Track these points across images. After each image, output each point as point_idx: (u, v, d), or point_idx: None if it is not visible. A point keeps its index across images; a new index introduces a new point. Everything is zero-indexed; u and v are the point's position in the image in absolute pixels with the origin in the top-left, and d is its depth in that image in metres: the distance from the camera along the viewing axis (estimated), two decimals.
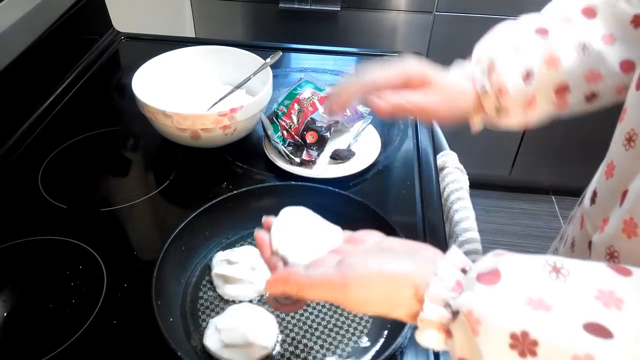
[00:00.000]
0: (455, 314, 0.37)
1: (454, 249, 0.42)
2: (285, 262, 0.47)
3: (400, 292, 0.39)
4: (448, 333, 0.38)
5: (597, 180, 0.55)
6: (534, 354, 0.33)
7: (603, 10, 0.58)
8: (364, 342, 0.59)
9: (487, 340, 0.35)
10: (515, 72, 0.57)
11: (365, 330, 0.60)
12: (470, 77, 0.60)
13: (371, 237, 0.47)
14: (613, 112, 0.56)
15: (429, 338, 0.39)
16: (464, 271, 0.40)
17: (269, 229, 0.50)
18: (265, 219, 0.51)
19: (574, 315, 0.33)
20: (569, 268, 0.36)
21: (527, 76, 0.57)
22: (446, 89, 0.59)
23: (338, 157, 0.83)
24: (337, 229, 0.51)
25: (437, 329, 0.38)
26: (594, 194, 0.55)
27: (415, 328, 0.40)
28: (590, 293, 0.34)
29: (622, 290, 0.34)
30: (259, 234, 0.50)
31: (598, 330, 0.32)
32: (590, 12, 0.58)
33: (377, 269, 0.41)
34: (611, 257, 0.47)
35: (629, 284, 0.34)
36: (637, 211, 0.43)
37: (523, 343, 0.33)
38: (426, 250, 0.43)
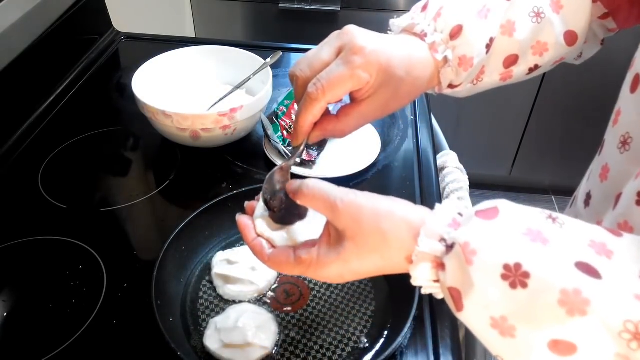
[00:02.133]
0: (450, 247, 0.38)
1: (452, 198, 0.43)
2: (272, 245, 0.47)
3: (394, 226, 0.40)
4: (440, 266, 0.38)
5: (591, 183, 0.54)
6: (524, 285, 0.34)
7: None
8: (364, 342, 0.59)
9: (480, 270, 0.35)
10: (481, 41, 0.51)
11: (365, 331, 0.60)
12: (426, 42, 0.51)
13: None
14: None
15: (421, 272, 0.39)
16: (460, 215, 0.40)
17: (252, 213, 0.49)
18: (247, 203, 0.51)
19: (567, 254, 0.34)
20: (564, 219, 0.37)
21: (490, 45, 0.52)
22: (396, 80, 0.49)
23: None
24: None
25: (431, 262, 0.39)
26: (588, 197, 0.54)
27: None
28: (584, 241, 0.35)
29: (613, 244, 0.35)
30: (241, 218, 0.49)
31: (588, 270, 0.33)
32: None
33: (371, 203, 0.41)
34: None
35: (620, 242, 0.35)
36: (632, 214, 0.43)
37: (515, 274, 0.34)
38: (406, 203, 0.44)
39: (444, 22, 0.51)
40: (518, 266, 0.34)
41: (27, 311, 0.62)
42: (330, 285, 0.64)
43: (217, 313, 0.61)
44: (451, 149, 0.96)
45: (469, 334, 0.71)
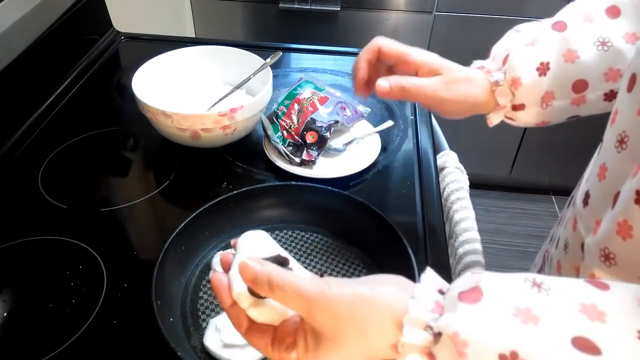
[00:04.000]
0: (437, 335, 0.35)
1: (427, 271, 0.40)
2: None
3: (379, 317, 0.37)
4: (431, 356, 0.36)
5: (590, 182, 0.54)
6: None
7: (627, 9, 0.57)
8: None
9: None
10: (529, 64, 0.57)
11: None
12: (484, 70, 0.61)
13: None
14: None
15: None
16: (441, 292, 0.38)
17: (228, 268, 0.44)
18: (222, 256, 0.45)
19: (561, 330, 0.32)
20: (549, 283, 0.35)
21: (543, 69, 0.57)
22: (453, 76, 0.59)
23: None
24: (305, 271, 0.45)
25: (420, 352, 0.36)
26: (587, 196, 0.54)
27: None
28: (574, 307, 0.33)
29: (603, 304, 0.33)
30: (215, 276, 0.43)
31: (586, 346, 0.32)
32: (614, 11, 0.57)
33: (352, 291, 0.38)
34: (606, 258, 0.47)
35: (609, 298, 0.34)
36: (631, 213, 0.43)
37: None
38: (401, 279, 0.40)
39: (497, 53, 0.61)
40: (514, 355, 0.32)
41: (27, 311, 0.62)
42: None
43: (217, 313, 0.61)
44: (451, 149, 0.96)
45: None
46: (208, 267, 0.66)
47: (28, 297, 0.64)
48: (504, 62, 0.59)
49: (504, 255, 1.95)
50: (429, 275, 0.39)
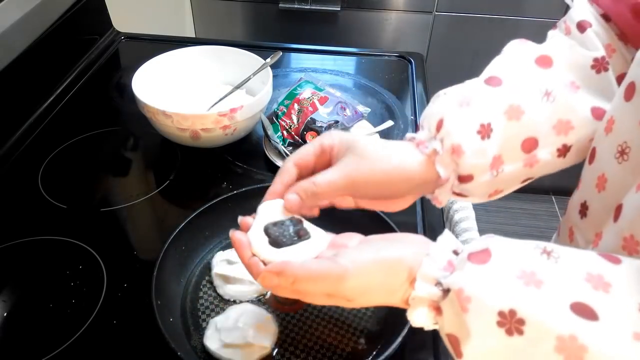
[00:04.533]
0: (446, 291, 0.38)
1: (445, 233, 0.42)
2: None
3: (396, 276, 0.40)
4: (438, 310, 0.39)
5: (586, 192, 0.52)
6: (520, 332, 0.34)
7: (559, 57, 0.51)
8: (364, 342, 0.59)
9: (475, 318, 0.36)
10: (468, 127, 0.48)
11: (365, 331, 0.60)
12: (414, 142, 0.50)
13: (355, 237, 0.47)
14: None
15: (419, 316, 0.40)
16: (455, 253, 0.40)
17: (246, 230, 0.47)
18: (241, 219, 0.48)
19: (562, 294, 0.34)
20: (559, 252, 0.36)
21: (485, 131, 0.48)
22: (372, 148, 0.48)
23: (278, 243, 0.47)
24: (319, 230, 0.48)
25: (428, 306, 0.39)
26: (584, 207, 0.52)
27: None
28: (580, 275, 0.34)
29: (611, 275, 0.34)
30: (236, 235, 0.46)
31: (584, 311, 0.33)
32: (545, 61, 0.51)
33: (373, 256, 0.41)
34: None
35: (618, 271, 0.35)
36: (638, 228, 0.42)
37: (510, 321, 0.34)
38: (414, 236, 0.44)
39: (428, 121, 0.51)
40: (513, 313, 0.34)
41: (27, 311, 0.62)
42: None
43: (217, 313, 0.61)
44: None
45: None
46: (208, 267, 0.66)
47: (28, 297, 0.64)
48: (438, 128, 0.49)
49: None
50: (446, 237, 0.42)
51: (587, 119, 0.50)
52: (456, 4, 1.66)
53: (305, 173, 0.50)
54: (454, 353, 0.38)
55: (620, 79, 0.51)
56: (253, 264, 0.44)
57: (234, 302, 0.63)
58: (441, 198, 0.51)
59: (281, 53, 0.94)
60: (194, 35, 1.81)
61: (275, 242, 0.45)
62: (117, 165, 0.86)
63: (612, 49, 0.51)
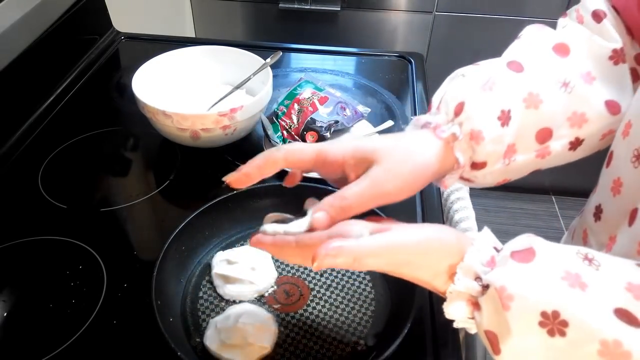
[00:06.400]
0: (485, 287, 0.38)
1: (485, 230, 0.42)
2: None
3: (447, 260, 0.40)
4: (475, 305, 0.39)
5: (602, 195, 0.52)
6: (562, 334, 0.34)
7: (576, 46, 0.50)
8: (364, 342, 0.59)
9: (517, 317, 0.35)
10: (490, 113, 0.46)
11: (365, 331, 0.60)
12: (430, 127, 0.48)
13: (359, 223, 0.45)
14: None
15: (456, 310, 0.40)
16: (495, 249, 0.40)
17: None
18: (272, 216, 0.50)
19: (606, 299, 0.33)
20: (600, 260, 0.36)
21: (505, 118, 0.47)
22: (391, 156, 0.45)
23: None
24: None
25: (466, 300, 0.39)
26: (599, 210, 0.52)
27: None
28: (621, 284, 0.34)
29: None
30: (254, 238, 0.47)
31: (628, 317, 0.32)
32: (562, 49, 0.50)
33: (434, 234, 0.41)
34: None
35: None
36: None
37: (553, 322, 0.34)
38: (455, 230, 0.44)
39: (445, 104, 0.48)
40: (556, 314, 0.34)
41: (27, 311, 0.62)
42: (330, 285, 0.64)
43: (217, 313, 0.61)
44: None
45: (468, 335, 0.71)
46: (208, 267, 0.66)
47: (28, 297, 0.64)
48: (457, 112, 0.47)
49: None
50: (487, 233, 0.42)
51: (601, 112, 0.49)
52: (456, 4, 1.66)
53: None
54: (491, 350, 0.38)
55: (633, 72, 0.51)
56: (308, 244, 0.42)
57: (234, 302, 0.63)
58: (448, 182, 0.50)
59: (281, 53, 0.94)
60: (194, 35, 1.81)
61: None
62: (117, 165, 0.86)
63: (624, 42, 0.51)
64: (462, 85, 0.49)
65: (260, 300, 0.63)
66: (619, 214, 0.48)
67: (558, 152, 0.50)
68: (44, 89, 0.96)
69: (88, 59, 1.08)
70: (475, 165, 0.48)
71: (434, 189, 0.80)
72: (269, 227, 0.47)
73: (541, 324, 0.34)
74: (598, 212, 0.52)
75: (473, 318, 0.39)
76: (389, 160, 0.45)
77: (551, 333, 0.34)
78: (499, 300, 0.36)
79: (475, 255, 0.39)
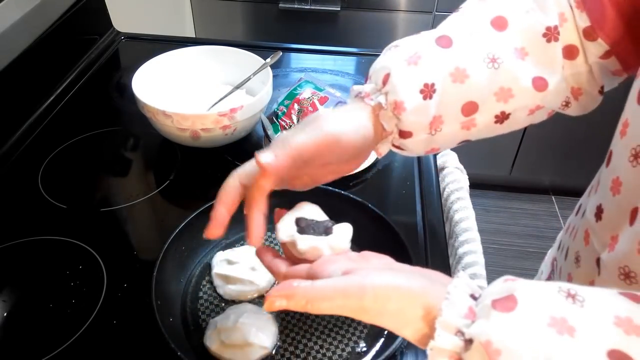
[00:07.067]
0: (468, 342, 0.35)
1: (461, 274, 0.40)
2: (294, 246, 0.47)
3: (412, 310, 0.38)
4: None
5: (602, 195, 0.51)
6: None
7: (514, 20, 0.51)
8: (363, 343, 0.59)
9: None
10: (412, 86, 0.49)
11: (365, 331, 0.60)
12: (362, 95, 0.52)
13: (381, 258, 0.46)
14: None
15: None
16: (473, 297, 0.38)
17: (277, 220, 0.51)
18: (277, 209, 0.52)
19: (597, 342, 0.32)
20: (583, 295, 0.35)
21: (428, 91, 0.50)
22: (331, 115, 0.50)
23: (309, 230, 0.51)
24: (346, 237, 0.49)
25: (449, 357, 0.36)
26: (599, 210, 0.52)
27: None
28: (609, 319, 0.33)
29: (638, 317, 0.33)
30: (260, 253, 0.50)
31: (622, 358, 0.31)
32: (500, 23, 0.51)
33: (393, 281, 0.39)
34: (626, 277, 0.46)
35: None
36: None
37: None
38: (436, 274, 0.42)
39: (375, 74, 0.52)
40: None
41: (27, 311, 0.62)
42: None
43: (217, 313, 0.61)
44: (451, 149, 0.96)
45: None
46: (208, 267, 0.66)
47: (28, 297, 0.64)
48: (384, 82, 0.50)
49: (503, 255, 1.95)
50: (461, 279, 0.39)
51: (527, 89, 0.51)
52: (456, 4, 1.66)
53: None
54: None
55: (567, 49, 0.51)
56: (274, 267, 0.46)
57: (234, 302, 0.63)
58: (381, 150, 0.53)
59: (281, 53, 0.94)
60: (194, 35, 1.81)
61: (302, 231, 0.47)
62: (117, 165, 0.86)
63: (565, 18, 0.51)
64: (392, 56, 0.52)
65: (260, 300, 0.63)
66: (619, 214, 0.47)
67: (485, 124, 0.53)
68: (44, 89, 0.96)
69: (88, 59, 1.08)
70: (403, 134, 0.51)
71: (434, 189, 0.80)
72: (284, 232, 0.49)
73: None
74: (599, 212, 0.51)
75: None
76: (329, 119, 0.49)
77: None
78: (486, 355, 0.34)
79: (452, 308, 0.37)
